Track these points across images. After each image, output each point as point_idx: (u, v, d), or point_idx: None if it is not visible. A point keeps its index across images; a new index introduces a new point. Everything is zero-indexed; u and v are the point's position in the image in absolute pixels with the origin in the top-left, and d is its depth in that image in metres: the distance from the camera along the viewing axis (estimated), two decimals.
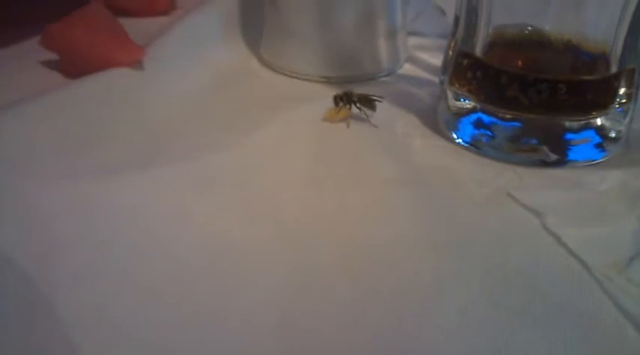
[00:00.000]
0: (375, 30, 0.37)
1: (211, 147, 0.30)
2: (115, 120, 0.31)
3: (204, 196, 0.26)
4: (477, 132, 0.30)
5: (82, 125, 0.30)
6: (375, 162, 0.29)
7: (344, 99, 0.32)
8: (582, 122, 0.28)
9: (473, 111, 0.30)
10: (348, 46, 0.37)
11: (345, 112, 0.32)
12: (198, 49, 0.38)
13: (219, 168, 0.28)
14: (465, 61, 0.30)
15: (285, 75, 0.38)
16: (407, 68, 0.39)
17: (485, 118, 0.29)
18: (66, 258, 0.22)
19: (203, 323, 0.20)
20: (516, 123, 0.29)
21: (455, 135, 0.31)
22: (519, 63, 0.30)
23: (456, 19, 0.30)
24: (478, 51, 0.29)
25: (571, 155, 0.28)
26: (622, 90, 0.28)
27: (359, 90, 0.33)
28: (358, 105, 0.32)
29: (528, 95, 0.27)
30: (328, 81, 0.37)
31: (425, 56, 0.40)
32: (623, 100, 0.28)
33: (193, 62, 0.37)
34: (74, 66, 0.34)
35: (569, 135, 0.28)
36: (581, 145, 0.28)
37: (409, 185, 0.27)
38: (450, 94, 0.31)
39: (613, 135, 0.29)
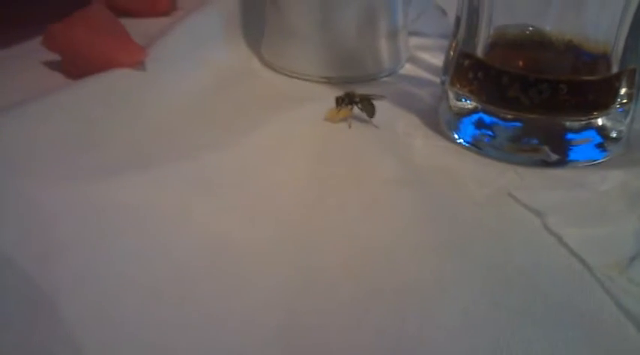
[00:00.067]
0: (376, 30, 0.37)
1: (212, 147, 0.30)
2: (116, 121, 0.31)
3: (205, 196, 0.26)
4: (478, 132, 0.30)
5: (83, 125, 0.30)
6: (376, 163, 0.29)
7: (345, 100, 0.32)
8: (583, 122, 0.28)
9: (474, 111, 0.30)
10: (349, 47, 0.37)
11: (346, 112, 0.32)
12: (200, 49, 0.38)
13: (221, 168, 0.28)
14: (467, 62, 0.30)
15: (286, 75, 0.38)
16: (408, 68, 0.39)
17: (487, 118, 0.29)
18: (67, 258, 0.22)
19: (204, 324, 0.20)
20: (517, 124, 0.29)
21: (456, 136, 0.31)
22: (520, 63, 0.30)
23: (457, 20, 0.30)
24: (479, 51, 0.29)
25: (572, 155, 0.28)
26: (623, 91, 0.28)
27: (360, 90, 0.33)
28: (359, 105, 0.32)
29: (529, 95, 0.27)
30: (329, 81, 0.37)
31: (426, 56, 0.40)
32: (624, 100, 0.28)
33: (195, 62, 0.37)
34: (76, 66, 0.34)
35: (570, 136, 0.28)
36: (582, 145, 0.28)
37: (410, 185, 0.27)
38: (451, 95, 0.31)
39: (614, 135, 0.29)
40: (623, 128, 0.29)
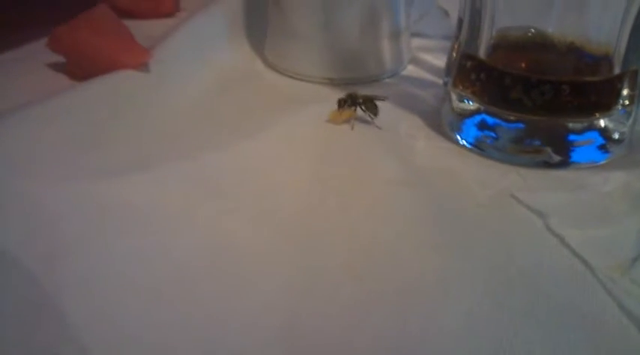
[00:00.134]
0: (379, 31, 0.37)
1: (216, 148, 0.30)
2: (121, 122, 0.31)
3: (208, 197, 0.26)
4: (480, 133, 0.30)
5: (88, 127, 0.30)
6: (378, 164, 0.29)
7: (348, 101, 0.32)
8: (585, 123, 0.28)
9: (477, 112, 0.30)
10: (351, 48, 0.37)
11: (348, 114, 0.32)
12: (203, 50, 0.38)
13: (224, 169, 0.28)
14: (469, 63, 0.30)
15: (290, 76, 0.38)
16: (410, 69, 0.40)
17: (489, 120, 0.29)
18: (71, 259, 0.23)
19: (206, 324, 0.20)
20: (520, 125, 0.29)
21: (459, 137, 0.31)
22: (523, 65, 0.30)
23: (460, 22, 0.30)
24: (482, 53, 0.29)
25: (574, 156, 0.28)
26: (625, 92, 0.28)
27: (363, 91, 0.33)
28: (362, 107, 0.32)
29: (532, 97, 0.28)
30: (332, 82, 0.37)
31: (428, 57, 0.40)
32: (627, 102, 0.28)
33: (198, 64, 0.37)
34: (81, 68, 0.35)
35: (572, 137, 0.28)
36: (585, 147, 0.29)
37: (413, 186, 0.27)
38: (453, 96, 0.31)
39: (616, 136, 0.29)
40: (625, 129, 0.29)
